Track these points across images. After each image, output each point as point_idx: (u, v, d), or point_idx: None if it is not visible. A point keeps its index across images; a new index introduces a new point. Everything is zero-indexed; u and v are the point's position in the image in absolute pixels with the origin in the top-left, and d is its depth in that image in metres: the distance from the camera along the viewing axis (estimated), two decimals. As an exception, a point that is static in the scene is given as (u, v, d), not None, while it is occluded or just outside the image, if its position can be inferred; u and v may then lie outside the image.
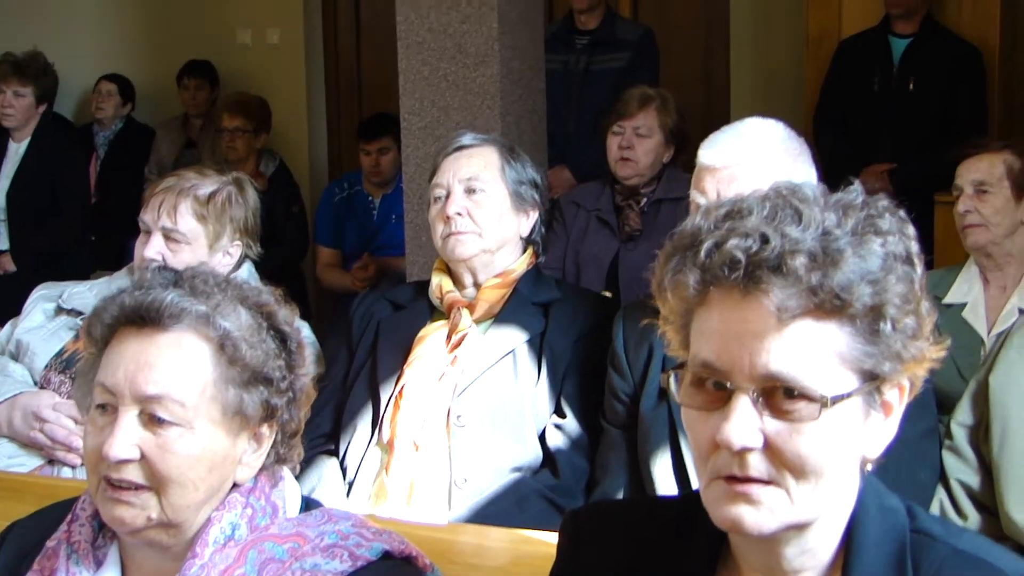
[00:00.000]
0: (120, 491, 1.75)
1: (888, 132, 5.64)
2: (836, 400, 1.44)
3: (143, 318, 1.77)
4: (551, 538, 2.40)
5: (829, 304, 1.43)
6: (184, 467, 1.75)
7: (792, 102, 6.39)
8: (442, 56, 4.62)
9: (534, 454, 3.00)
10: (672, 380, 1.54)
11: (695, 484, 2.64)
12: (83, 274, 6.57)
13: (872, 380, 1.47)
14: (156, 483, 1.75)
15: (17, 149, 6.60)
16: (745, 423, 1.45)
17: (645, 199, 4.84)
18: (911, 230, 1.53)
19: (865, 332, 1.45)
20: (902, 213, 1.54)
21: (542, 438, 3.02)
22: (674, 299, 1.53)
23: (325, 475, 3.06)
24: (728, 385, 1.46)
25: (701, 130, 6.06)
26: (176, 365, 1.76)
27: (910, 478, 2.67)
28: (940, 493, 2.77)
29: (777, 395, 1.45)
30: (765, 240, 1.44)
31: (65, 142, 6.84)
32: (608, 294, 4.20)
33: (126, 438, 1.74)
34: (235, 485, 1.84)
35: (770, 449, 1.45)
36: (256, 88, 7.39)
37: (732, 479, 1.47)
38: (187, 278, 1.83)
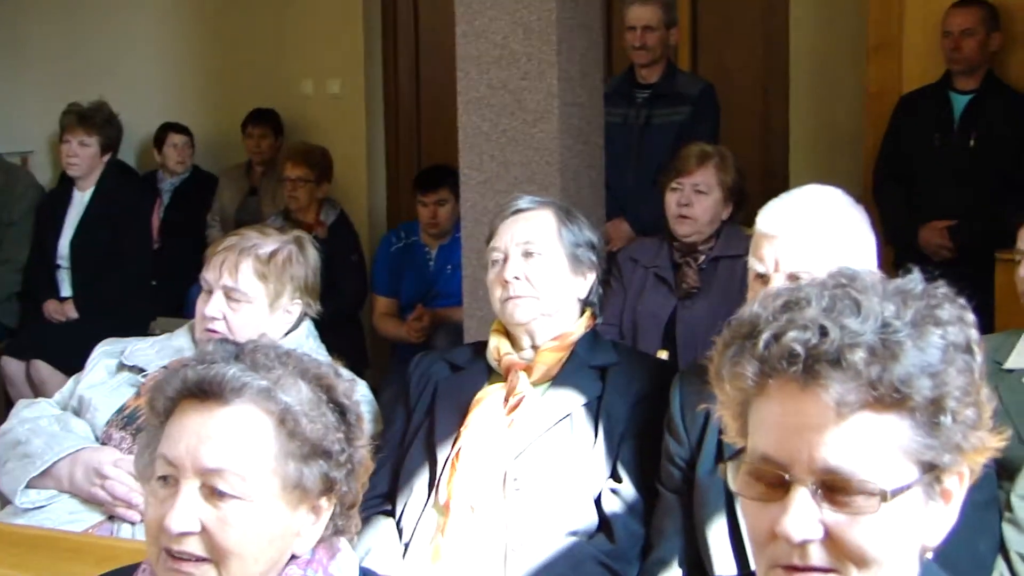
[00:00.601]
0: (181, 562, 1.77)
1: (949, 188, 5.62)
2: (896, 493, 1.43)
3: (205, 392, 1.80)
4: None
5: (889, 398, 1.43)
6: (244, 540, 1.77)
7: (852, 157, 6.38)
8: (502, 112, 4.66)
9: (590, 518, 2.99)
10: (729, 469, 1.54)
11: (750, 551, 2.65)
12: (144, 321, 6.68)
13: (931, 471, 1.46)
14: (216, 555, 1.76)
15: (82, 198, 6.69)
16: (804, 516, 1.45)
17: (703, 256, 4.84)
18: (970, 317, 1.53)
19: (925, 425, 1.44)
20: (962, 301, 1.53)
21: (598, 502, 3.01)
22: (732, 388, 1.53)
23: (381, 536, 3.06)
24: (787, 477, 1.46)
25: (759, 185, 6.15)
26: (237, 439, 1.78)
27: (969, 549, 2.64)
28: (1000, 566, 2.74)
29: (836, 488, 1.44)
30: (824, 333, 1.44)
31: (129, 191, 6.93)
32: (665, 352, 4.19)
33: (187, 511, 1.75)
34: (293, 556, 1.85)
35: (830, 540, 1.45)
36: (317, 137, 7.46)
37: (792, 568, 1.46)
38: (248, 352, 1.85)
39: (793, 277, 2.69)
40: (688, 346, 4.69)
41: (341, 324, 6.34)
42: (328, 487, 1.85)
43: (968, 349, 1.49)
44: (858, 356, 1.43)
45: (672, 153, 5.67)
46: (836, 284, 1.51)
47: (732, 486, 1.53)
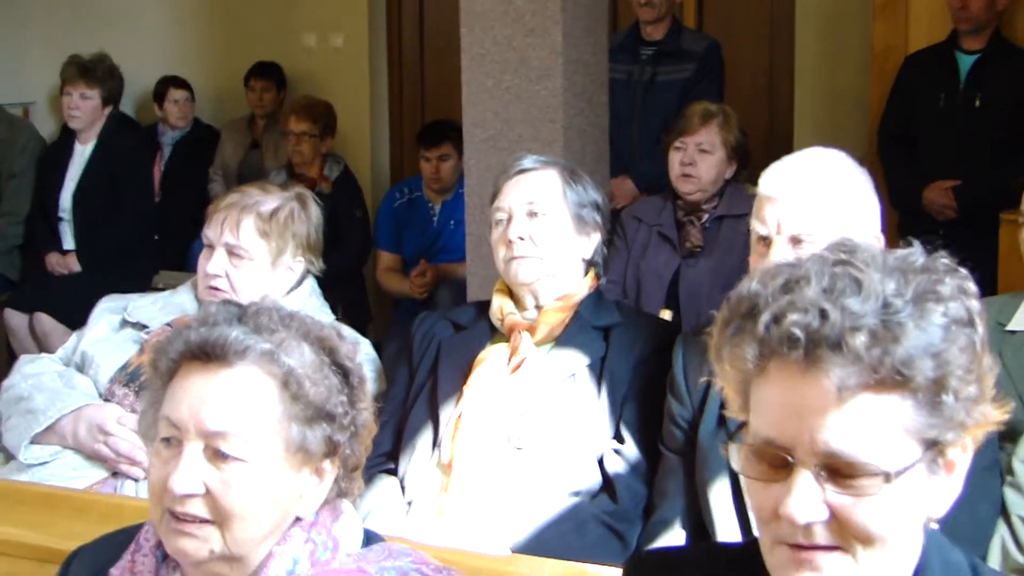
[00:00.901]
0: (184, 523, 1.77)
1: (954, 149, 5.59)
2: (899, 473, 1.43)
3: (208, 354, 1.80)
4: (608, 572, 2.42)
5: (890, 380, 1.42)
6: (247, 502, 1.77)
7: (857, 118, 6.36)
8: (505, 69, 4.64)
9: (593, 479, 3.00)
10: (731, 448, 1.54)
11: (752, 514, 2.66)
12: (147, 274, 6.68)
13: (934, 447, 1.46)
14: (219, 517, 1.77)
15: (83, 151, 6.67)
16: (808, 498, 1.45)
17: (707, 215, 4.84)
18: (972, 288, 1.51)
19: (927, 404, 1.44)
20: (963, 271, 1.52)
21: (600, 463, 3.02)
22: (732, 368, 1.52)
23: (384, 495, 3.07)
24: (790, 459, 1.46)
25: (764, 145, 6.13)
26: (240, 401, 1.78)
27: (970, 512, 2.64)
28: (1001, 528, 2.75)
29: (839, 470, 1.44)
30: (824, 316, 1.43)
31: (130, 143, 6.91)
32: (668, 312, 4.19)
33: (190, 472, 1.76)
34: (296, 519, 1.85)
35: (835, 520, 1.45)
36: (320, 91, 7.45)
37: (797, 547, 1.46)
38: (251, 314, 1.85)
39: (795, 240, 2.69)
40: (691, 305, 4.69)
41: (344, 279, 6.35)
42: (332, 450, 1.85)
43: (970, 322, 1.48)
44: (859, 340, 1.41)
45: (676, 111, 5.66)
46: (836, 260, 1.49)
47: (734, 465, 1.53)
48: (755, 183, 5.26)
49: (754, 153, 5.03)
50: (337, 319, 3.60)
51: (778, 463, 1.47)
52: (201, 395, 1.79)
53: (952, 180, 5.56)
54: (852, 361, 1.42)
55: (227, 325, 1.82)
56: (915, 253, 1.52)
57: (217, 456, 1.77)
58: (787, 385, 1.46)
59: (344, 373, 1.89)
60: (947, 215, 5.56)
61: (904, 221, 5.60)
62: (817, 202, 2.70)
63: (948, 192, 5.56)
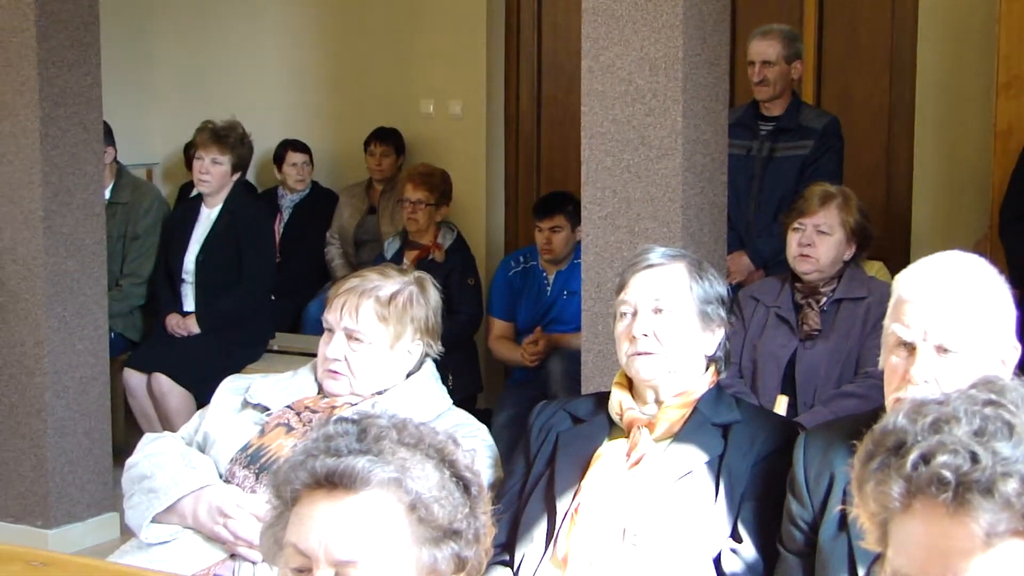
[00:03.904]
0: None
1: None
2: None
3: (334, 483, 1.81)
4: None
5: None
6: None
7: (978, 195, 6.29)
8: (625, 147, 4.66)
9: (709, 577, 2.99)
10: None
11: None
12: (263, 337, 6.78)
13: None
14: None
15: (209, 215, 6.79)
16: None
17: (825, 298, 4.80)
18: None
19: None
20: None
21: (717, 562, 2.99)
22: (874, 502, 1.51)
23: (499, 587, 3.08)
24: None
25: (881, 219, 6.07)
26: (369, 529, 1.79)
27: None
28: None
29: None
30: (975, 459, 1.41)
31: (254, 210, 7.03)
32: (785, 399, 4.15)
33: None
34: None
35: None
36: (437, 158, 7.52)
37: None
38: (373, 438, 1.85)
39: (941, 349, 2.66)
40: (807, 388, 4.66)
41: (456, 346, 6.38)
42: (460, 566, 1.86)
43: None
44: (1011, 487, 1.40)
45: (794, 187, 5.65)
46: (986, 401, 1.48)
47: None
48: (873, 260, 5.26)
49: (873, 235, 5.00)
50: (448, 387, 3.63)
51: None
52: (329, 524, 1.80)
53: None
54: (1002, 507, 1.40)
55: (350, 453, 1.82)
56: None
57: None
58: (932, 526, 1.44)
59: (465, 484, 1.90)
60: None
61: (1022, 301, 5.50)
62: (964, 311, 2.67)
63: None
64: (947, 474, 1.42)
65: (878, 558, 1.54)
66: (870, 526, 1.54)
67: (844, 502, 2.76)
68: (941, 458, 1.43)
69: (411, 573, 1.81)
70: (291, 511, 1.85)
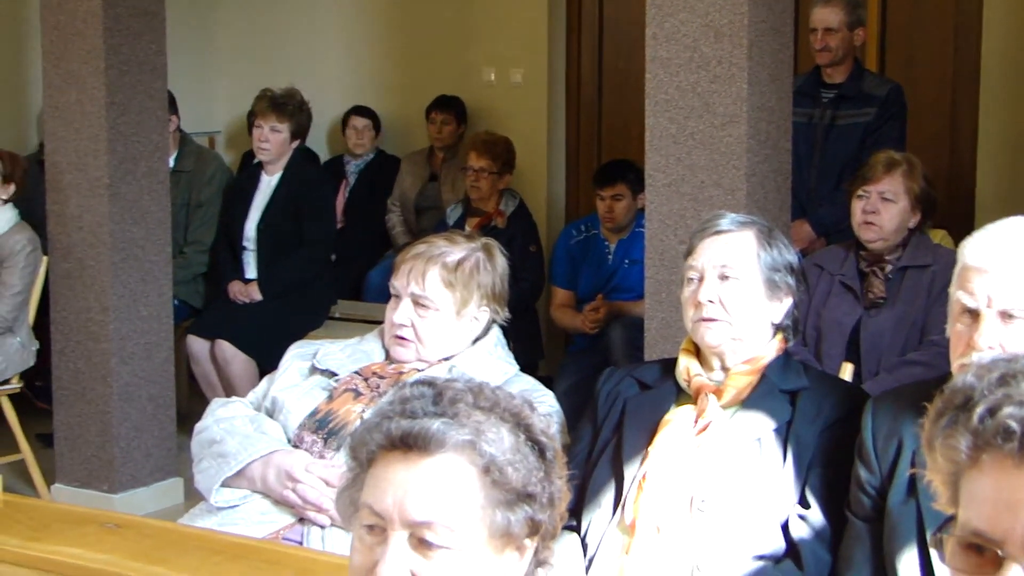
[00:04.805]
0: None
1: None
2: None
3: (408, 445, 1.82)
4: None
5: None
6: None
7: (1043, 163, 6.24)
8: (690, 115, 4.64)
9: (777, 544, 2.98)
10: (941, 539, 1.52)
11: (941, 584, 2.62)
12: (325, 304, 6.83)
13: None
14: None
15: (269, 182, 6.83)
16: None
17: (890, 266, 4.77)
18: None
19: None
20: None
21: (784, 528, 2.99)
22: (943, 460, 1.51)
23: (565, 552, 3.08)
24: (1000, 553, 1.44)
25: (945, 188, 6.02)
26: (443, 491, 1.80)
27: None
28: None
29: None
30: None
31: (314, 177, 7.06)
32: (850, 366, 4.14)
33: (398, 563, 1.78)
34: None
35: None
36: (498, 126, 7.52)
37: None
38: (448, 401, 1.86)
39: (1006, 315, 2.64)
40: (872, 357, 4.64)
41: (518, 314, 6.39)
42: (534, 529, 1.87)
43: None
44: None
45: (857, 155, 5.62)
46: None
47: (943, 560, 1.51)
48: (937, 228, 5.22)
49: (938, 202, 4.97)
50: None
51: (988, 557, 1.46)
52: (404, 486, 1.81)
53: None
54: None
55: (425, 415, 1.84)
56: None
57: (422, 545, 1.79)
58: (1000, 478, 1.44)
59: (540, 449, 1.90)
60: None
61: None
62: None
63: None
64: (1013, 424, 1.42)
65: (947, 522, 1.54)
66: (941, 486, 1.55)
67: (913, 466, 2.76)
68: (1007, 409, 1.43)
69: (485, 535, 1.82)
70: (367, 473, 1.86)
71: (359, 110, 8.11)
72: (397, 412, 1.85)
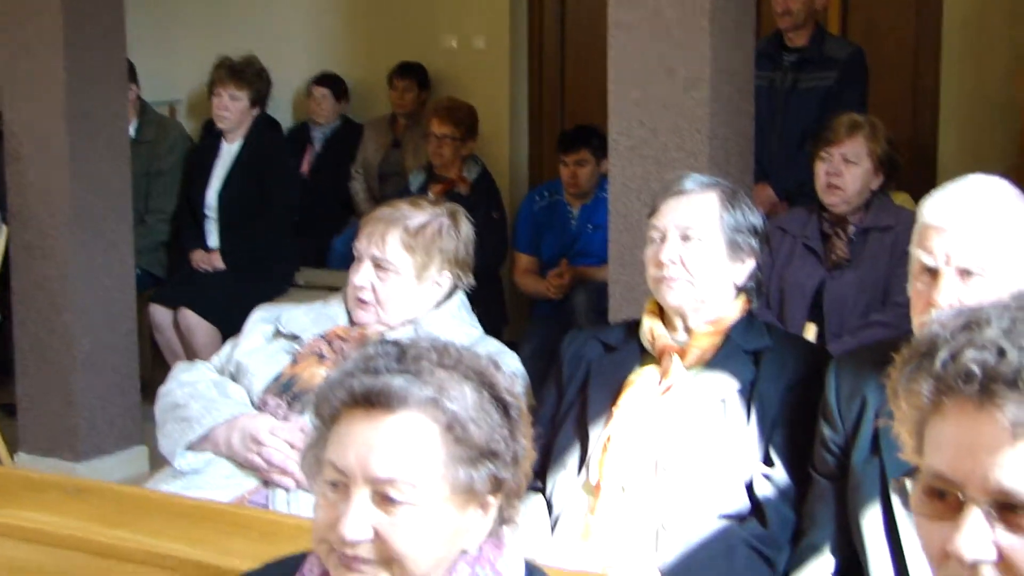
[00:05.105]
0: (353, 563, 1.81)
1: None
2: None
3: (371, 402, 1.82)
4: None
5: None
6: (416, 544, 1.80)
7: (1005, 125, 6.25)
8: (652, 78, 4.63)
9: (741, 502, 2.99)
10: (906, 485, 1.53)
11: (905, 539, 2.64)
12: (289, 272, 6.80)
13: None
14: (388, 559, 1.80)
15: (230, 150, 6.80)
16: (977, 536, 1.43)
17: (853, 227, 4.79)
18: None
19: None
20: None
21: (749, 487, 3.01)
22: (908, 406, 1.52)
23: (530, 513, 3.09)
24: (960, 497, 1.45)
25: (908, 151, 6.04)
26: (406, 448, 1.81)
27: None
28: None
29: (1010, 510, 1.43)
30: (1002, 354, 1.42)
31: (275, 144, 7.05)
32: (814, 327, 4.16)
33: (360, 519, 1.79)
34: (461, 551, 1.88)
35: (1003, 563, 1.43)
36: (460, 92, 7.50)
37: None
38: (412, 358, 1.86)
39: (964, 272, 2.65)
40: (835, 318, 4.66)
41: (481, 280, 6.39)
42: (497, 486, 1.87)
43: None
44: None
45: (818, 118, 5.62)
46: (1020, 306, 1.49)
47: (908, 505, 1.52)
48: (900, 191, 5.24)
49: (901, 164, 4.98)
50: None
51: (949, 501, 1.47)
52: (367, 443, 1.81)
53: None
54: None
55: (388, 372, 1.84)
56: None
57: (385, 501, 1.80)
58: (961, 422, 1.45)
59: (504, 407, 1.91)
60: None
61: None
62: (987, 234, 2.65)
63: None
64: (974, 367, 1.43)
65: (909, 473, 1.54)
66: (907, 436, 1.55)
67: (877, 424, 2.78)
68: (969, 353, 1.44)
69: (447, 492, 1.82)
70: (330, 430, 1.87)
71: (320, 79, 8.07)
72: (360, 369, 1.86)
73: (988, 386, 1.42)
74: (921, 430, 1.52)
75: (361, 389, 1.83)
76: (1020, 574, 1.43)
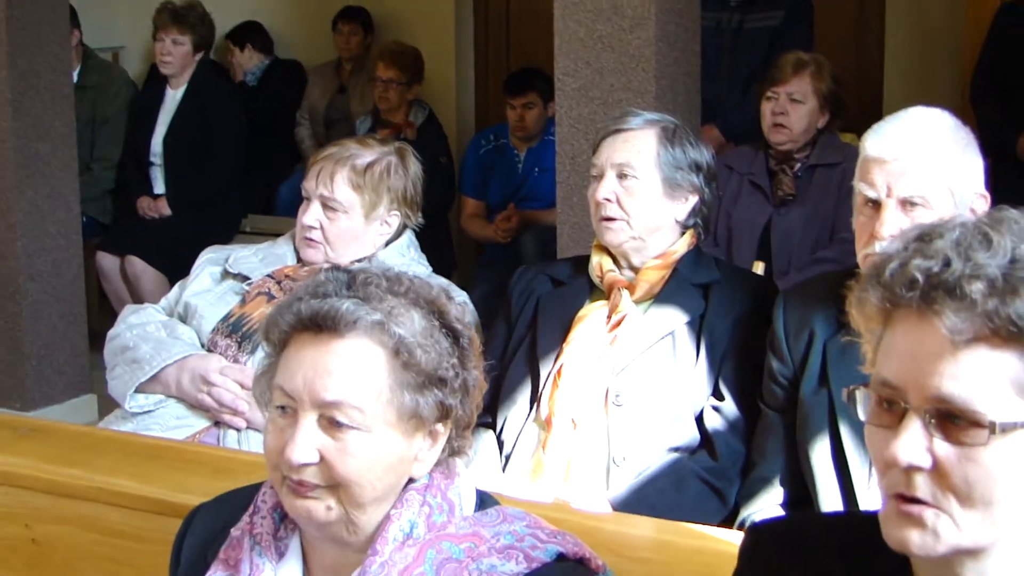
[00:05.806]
0: (301, 487, 1.82)
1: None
2: (1005, 428, 1.42)
3: (319, 325, 1.83)
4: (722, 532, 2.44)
5: (1005, 331, 1.42)
6: (363, 469, 1.81)
7: (949, 66, 6.28)
8: (598, 17, 4.61)
9: (691, 435, 3.02)
10: (858, 396, 1.55)
11: (853, 470, 2.66)
12: (236, 218, 6.76)
13: None
14: (335, 483, 1.81)
15: (174, 96, 6.76)
16: (913, 442, 1.45)
17: (799, 164, 4.82)
18: None
19: None
20: None
21: (699, 420, 3.03)
22: (860, 317, 1.54)
23: (482, 449, 3.11)
24: (903, 404, 1.47)
25: (854, 90, 6.05)
26: (353, 372, 1.81)
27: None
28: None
29: (947, 418, 1.44)
30: (947, 263, 1.44)
31: (220, 88, 6.99)
32: (761, 264, 4.18)
33: (307, 442, 1.80)
34: (410, 480, 1.89)
35: (938, 472, 1.45)
36: (406, 36, 7.45)
37: (901, 498, 1.48)
38: (361, 283, 1.87)
39: (906, 203, 2.67)
40: (783, 254, 4.68)
41: (428, 225, 6.38)
42: (444, 414, 1.88)
43: None
44: (976, 288, 1.42)
45: (764, 59, 5.62)
46: (977, 222, 1.50)
47: (860, 415, 1.54)
48: (847, 131, 5.27)
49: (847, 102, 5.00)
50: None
51: (895, 411, 1.49)
52: (314, 366, 1.82)
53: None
54: (967, 307, 1.42)
55: (337, 297, 1.84)
56: None
57: (332, 425, 1.81)
58: (907, 330, 1.47)
59: (454, 335, 1.91)
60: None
61: (996, 169, 5.51)
62: (927, 165, 2.68)
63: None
64: (917, 275, 1.45)
65: (863, 384, 1.56)
66: (869, 350, 1.57)
67: (824, 357, 2.80)
68: (915, 262, 1.46)
69: (393, 417, 1.83)
70: (280, 356, 1.87)
71: (234, 35, 7.97)
72: (310, 294, 1.86)
73: (929, 293, 1.44)
74: (878, 345, 1.54)
75: (309, 312, 1.83)
76: (951, 483, 1.45)
